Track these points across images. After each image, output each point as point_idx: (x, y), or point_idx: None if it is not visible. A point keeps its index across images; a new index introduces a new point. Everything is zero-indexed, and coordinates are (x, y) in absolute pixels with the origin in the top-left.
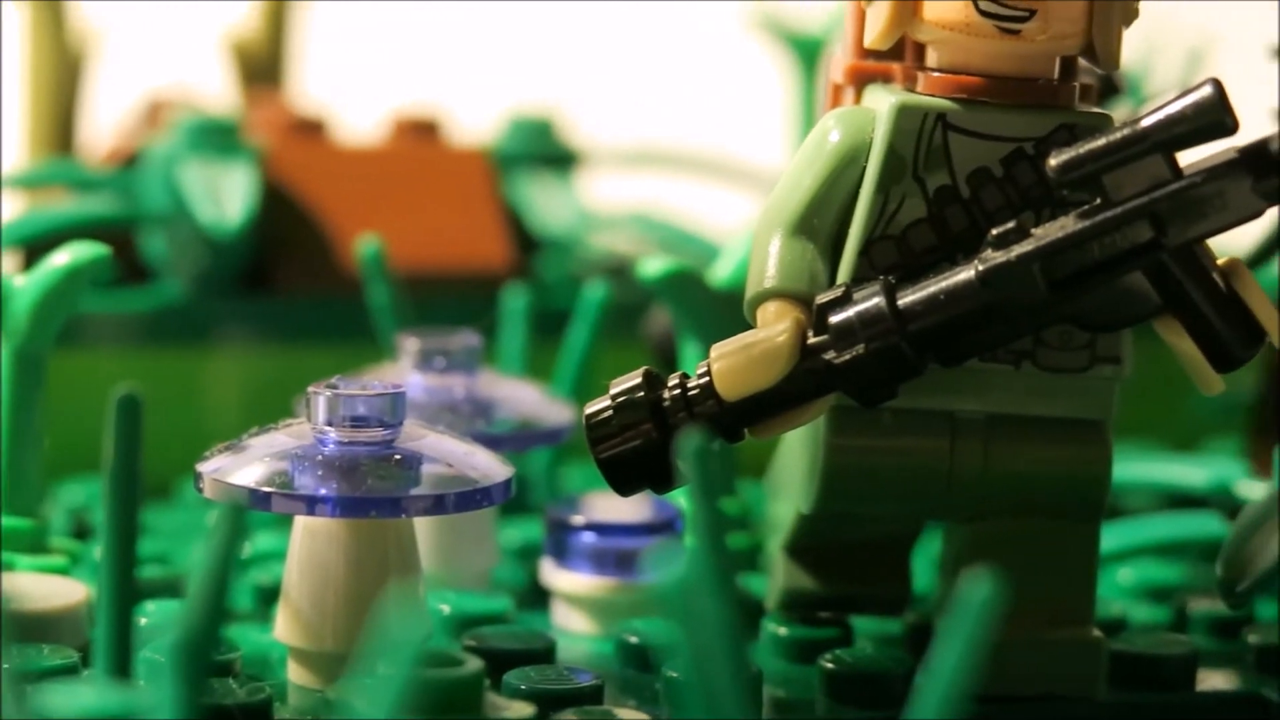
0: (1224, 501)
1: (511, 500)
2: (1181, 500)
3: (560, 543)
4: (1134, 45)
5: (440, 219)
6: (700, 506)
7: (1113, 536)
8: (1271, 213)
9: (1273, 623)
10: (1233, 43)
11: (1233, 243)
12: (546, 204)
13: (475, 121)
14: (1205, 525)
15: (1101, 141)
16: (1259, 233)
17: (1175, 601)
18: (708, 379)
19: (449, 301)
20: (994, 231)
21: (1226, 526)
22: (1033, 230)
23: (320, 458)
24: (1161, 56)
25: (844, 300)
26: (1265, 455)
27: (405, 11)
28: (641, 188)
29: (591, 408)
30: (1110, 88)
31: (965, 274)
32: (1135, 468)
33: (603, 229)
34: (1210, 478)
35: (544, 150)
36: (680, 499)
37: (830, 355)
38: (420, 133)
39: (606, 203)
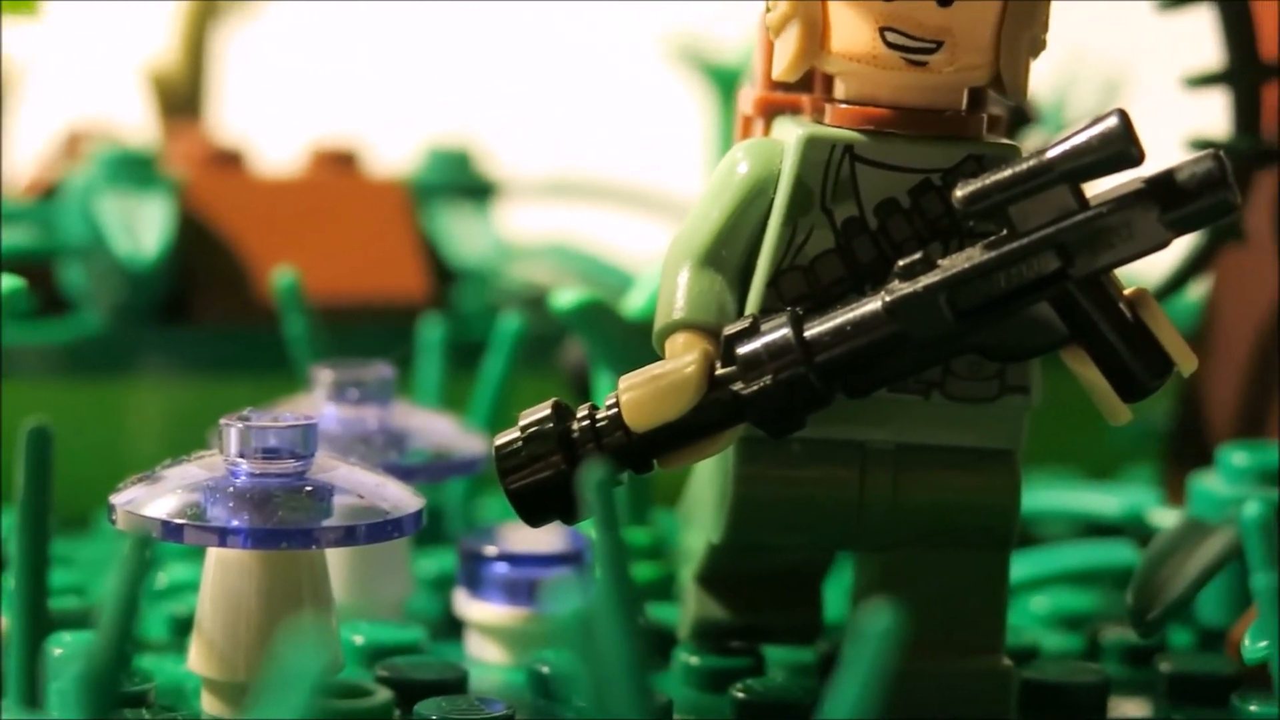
0: (1137, 530)
1: (427, 531)
2: (1096, 528)
3: (473, 573)
4: (1050, 75)
5: (358, 250)
6: (602, 538)
7: (1026, 564)
8: (1184, 241)
9: (1184, 651)
10: (1147, 73)
11: (1144, 272)
12: (464, 235)
13: (393, 152)
14: (1118, 553)
15: (1007, 172)
16: (1171, 262)
17: (1088, 630)
18: (616, 410)
19: (366, 332)
20: (901, 263)
21: (1139, 555)
22: (939, 261)
23: (232, 489)
24: (1077, 86)
25: (751, 331)
26: (1178, 483)
27: (324, 43)
28: (560, 218)
29: (501, 439)
30: (1022, 117)
31: (872, 305)
32: (1050, 496)
33: (521, 260)
34: (1123, 506)
35: (462, 181)
36: (590, 530)
37: (738, 386)
38: (338, 164)
39: (524, 233)
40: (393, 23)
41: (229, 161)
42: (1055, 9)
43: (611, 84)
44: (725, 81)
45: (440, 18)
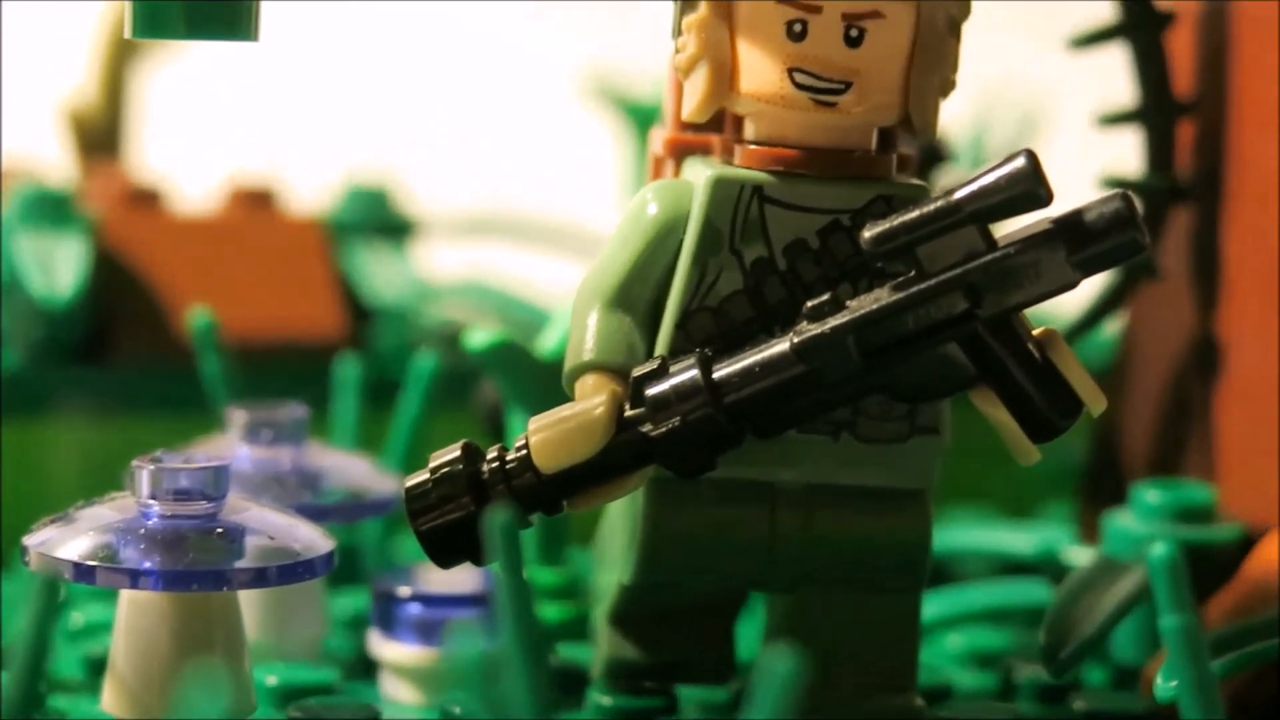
0: (1052, 568)
1: (343, 570)
2: (1012, 567)
3: (387, 613)
4: (967, 113)
5: (275, 289)
6: (506, 580)
7: (941, 603)
8: (1099, 279)
9: (1099, 689)
10: (1065, 110)
11: (1059, 310)
12: (381, 273)
13: (311, 190)
14: (1032, 592)
15: (915, 213)
16: (1086, 300)
17: (1003, 668)
18: (525, 452)
19: (283, 372)
20: (809, 304)
21: (1053, 593)
22: (848, 302)
23: (144, 531)
24: (994, 124)
25: (660, 373)
26: (1093, 521)
27: (243, 81)
28: (478, 256)
29: (411, 481)
30: (936, 156)
31: (780, 346)
32: (966, 534)
33: (438, 298)
34: (1038, 544)
35: (379, 219)
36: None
37: (647, 428)
38: (255, 202)
39: (443, 271)
40: (311, 61)
41: (147, 200)
42: (972, 47)
43: (529, 121)
44: (642, 118)
45: (358, 56)
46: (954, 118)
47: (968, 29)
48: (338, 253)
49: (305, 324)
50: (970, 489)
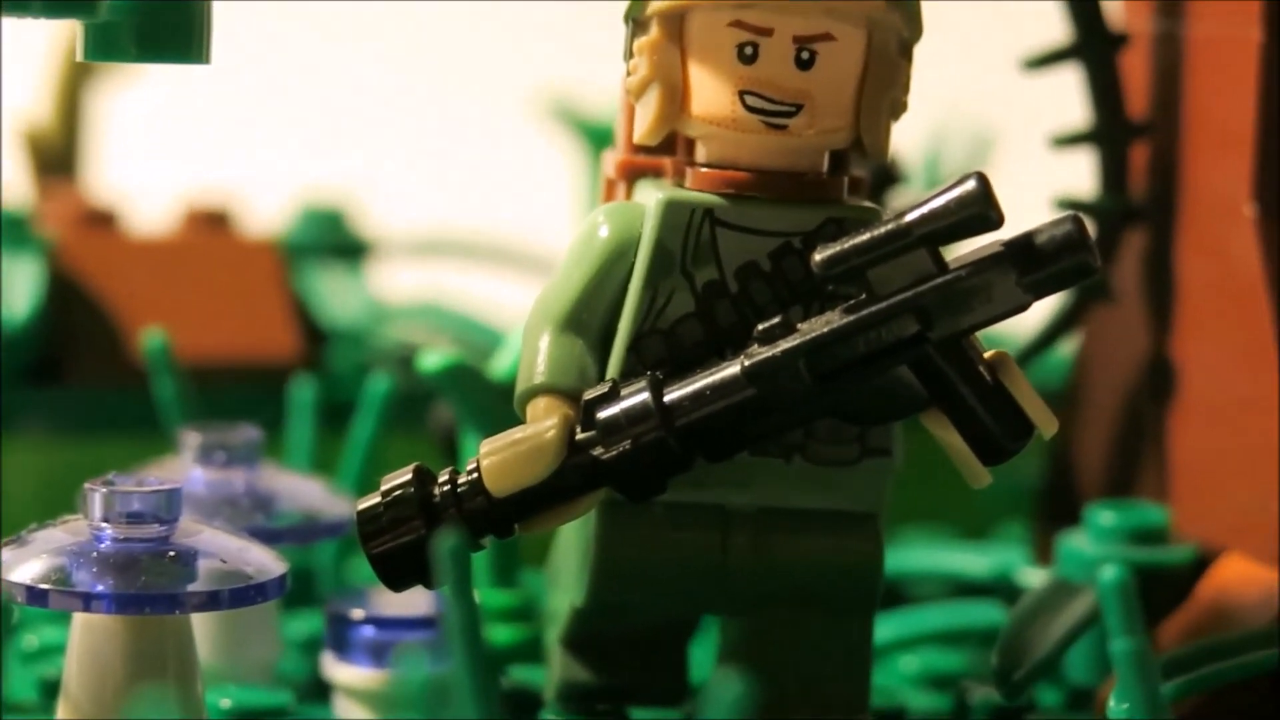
0: (1006, 589)
1: (297, 592)
2: (967, 588)
3: (340, 636)
4: (922, 134)
5: (230, 310)
6: (454, 604)
7: (895, 624)
8: (1053, 300)
9: (1053, 710)
10: (1020, 131)
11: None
12: (336, 295)
13: (266, 212)
14: (986, 613)
15: (865, 236)
16: (1039, 322)
17: (956, 690)
18: (477, 475)
19: (239, 393)
20: (760, 327)
21: (1007, 614)
22: (799, 325)
23: (96, 554)
24: (949, 145)
25: (611, 396)
26: (1047, 543)
27: (199, 102)
28: (434, 277)
29: (363, 504)
30: (889, 178)
31: (731, 369)
32: (920, 556)
33: (394, 319)
34: (992, 566)
35: (334, 241)
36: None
37: (598, 451)
38: (211, 224)
39: (398, 293)
40: (266, 83)
41: (103, 221)
42: (926, 69)
43: (485, 142)
44: (599, 139)
45: (313, 77)
46: (909, 140)
47: (921, 51)
48: (293, 274)
49: (260, 345)
50: (926, 510)
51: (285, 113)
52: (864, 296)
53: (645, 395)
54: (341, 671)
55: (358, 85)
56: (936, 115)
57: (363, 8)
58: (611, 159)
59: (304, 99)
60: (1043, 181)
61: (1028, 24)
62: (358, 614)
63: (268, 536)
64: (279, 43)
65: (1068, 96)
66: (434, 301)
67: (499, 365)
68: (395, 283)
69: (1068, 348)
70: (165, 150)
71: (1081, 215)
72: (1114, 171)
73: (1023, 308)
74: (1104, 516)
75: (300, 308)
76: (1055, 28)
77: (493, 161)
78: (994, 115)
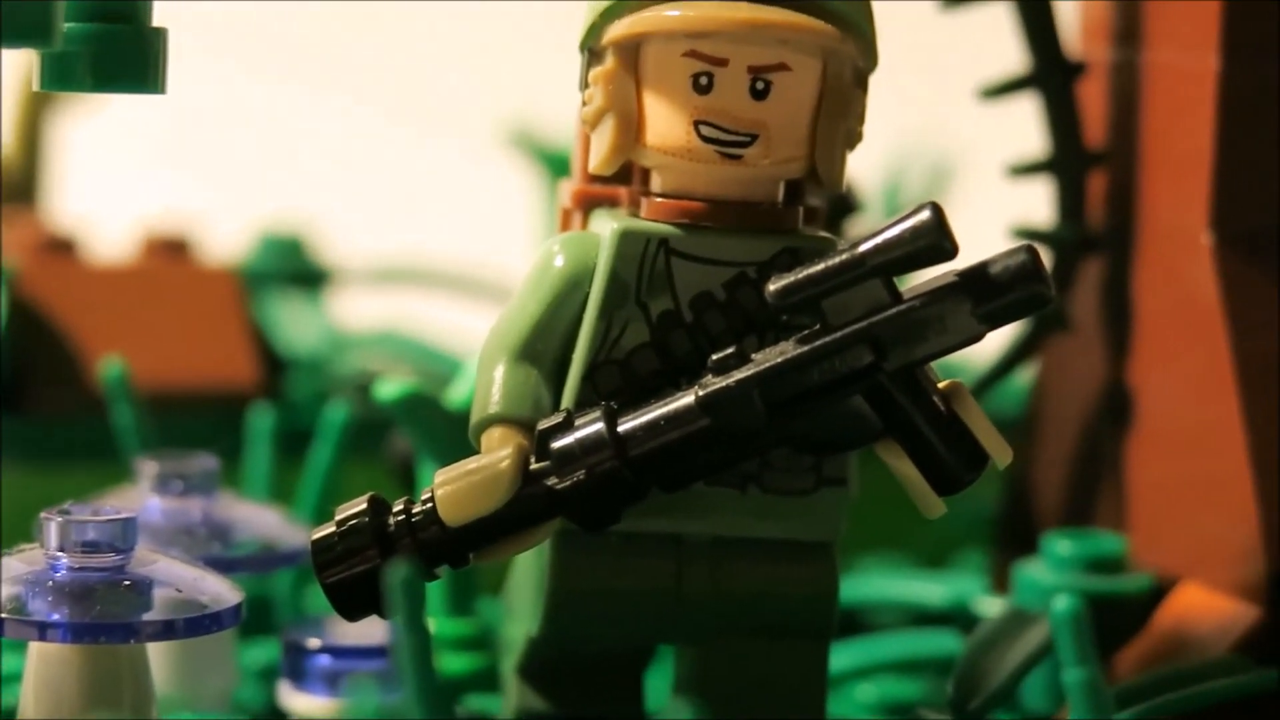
0: (963, 618)
1: (255, 621)
2: (924, 617)
3: (296, 665)
4: (882, 163)
5: (188, 338)
6: (405, 634)
7: (852, 653)
8: (1010, 329)
9: None
10: (976, 161)
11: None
12: (295, 323)
13: (225, 239)
14: (943, 642)
15: (819, 267)
16: (996, 351)
17: (913, 719)
18: (431, 505)
19: (197, 421)
20: (714, 357)
21: (963, 643)
22: (753, 355)
23: (52, 583)
24: (908, 175)
25: (565, 426)
26: (1005, 571)
27: (159, 129)
28: (394, 305)
29: (317, 533)
30: (847, 207)
31: (685, 399)
32: (878, 584)
33: (353, 348)
34: (949, 594)
35: (294, 269)
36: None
37: (553, 481)
38: (170, 251)
39: (357, 321)
40: (225, 111)
41: (62, 249)
42: (884, 99)
43: (445, 170)
44: (558, 167)
45: (273, 106)
46: (868, 169)
47: (880, 80)
48: (252, 302)
49: (219, 373)
50: (885, 539)
51: (244, 141)
52: (818, 327)
53: (599, 425)
54: (298, 700)
55: (316, 113)
56: (896, 145)
57: (321, 36)
58: (567, 188)
59: (263, 127)
60: (1002, 211)
61: (986, 53)
62: (314, 643)
63: (224, 565)
64: (238, 71)
65: (1026, 126)
66: (393, 329)
67: (455, 394)
68: (354, 311)
69: (1025, 376)
70: (124, 178)
71: (1036, 246)
72: (1071, 200)
73: (977, 338)
74: (1061, 545)
75: (259, 336)
76: (1013, 57)
77: (452, 189)
78: (953, 145)
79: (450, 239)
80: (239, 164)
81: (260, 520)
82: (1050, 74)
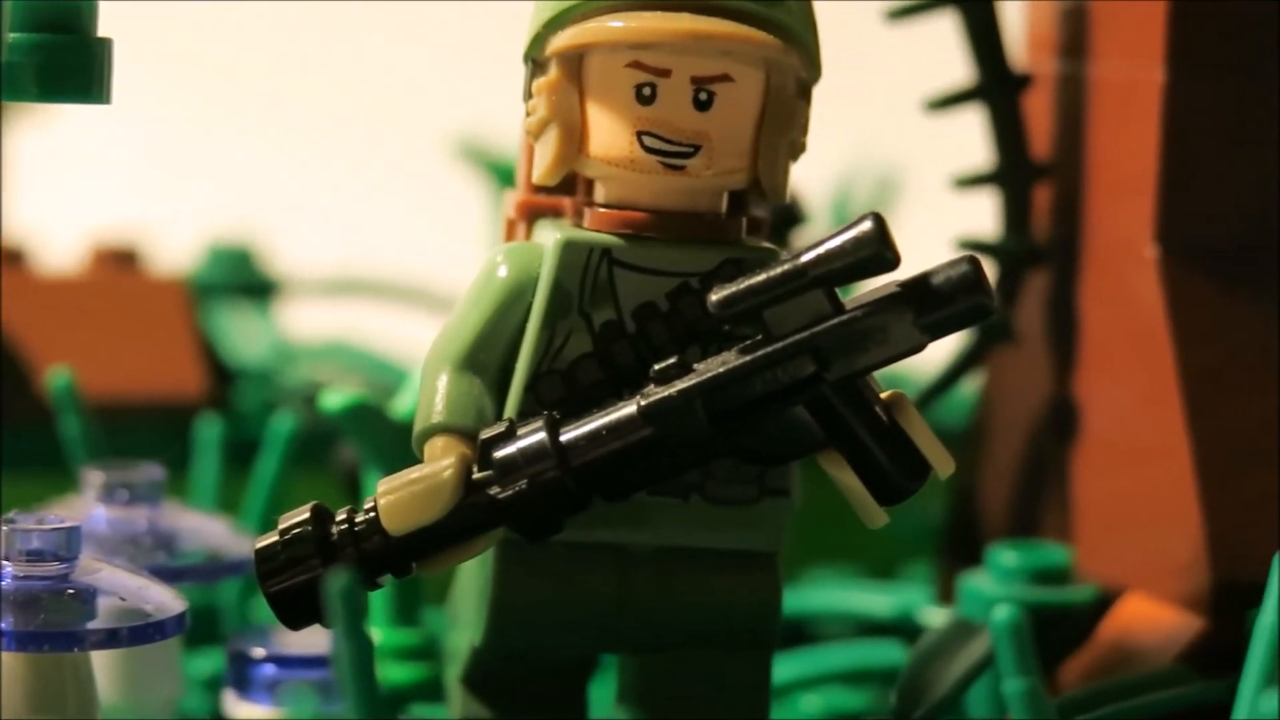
0: (908, 629)
1: (202, 631)
2: (872, 628)
3: (241, 674)
4: (831, 176)
5: (137, 349)
6: (344, 644)
7: (799, 663)
8: (955, 342)
9: None
10: (924, 174)
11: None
12: (243, 334)
13: (174, 250)
14: (889, 652)
15: (761, 277)
16: (940, 362)
17: None
18: (374, 514)
19: (145, 432)
20: (656, 367)
21: (908, 654)
22: (695, 365)
23: None
24: (856, 187)
25: (508, 435)
26: (950, 583)
27: (108, 140)
28: (342, 316)
29: (260, 542)
30: (792, 218)
31: (628, 409)
32: (825, 595)
33: (302, 359)
34: (895, 605)
35: (242, 279)
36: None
37: (495, 490)
38: (119, 262)
39: (306, 332)
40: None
41: (11, 260)
42: (831, 110)
43: (393, 181)
44: (506, 178)
45: (222, 116)
46: (816, 181)
47: (827, 92)
48: (200, 313)
49: (167, 384)
50: (835, 550)
51: (194, 152)
52: (760, 337)
53: (542, 435)
54: (242, 709)
55: (266, 124)
56: (844, 157)
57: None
58: (511, 199)
59: (212, 138)
60: (950, 223)
61: (933, 65)
62: (259, 652)
63: (170, 575)
64: (188, 82)
65: (972, 138)
66: (342, 341)
67: (401, 404)
68: (303, 322)
69: (971, 388)
70: (73, 189)
71: (979, 256)
72: (1016, 213)
73: (919, 348)
74: (1006, 556)
75: (207, 346)
76: (959, 69)
77: (401, 201)
78: (901, 157)
79: (399, 250)
80: (188, 175)
81: (206, 530)
82: (996, 86)
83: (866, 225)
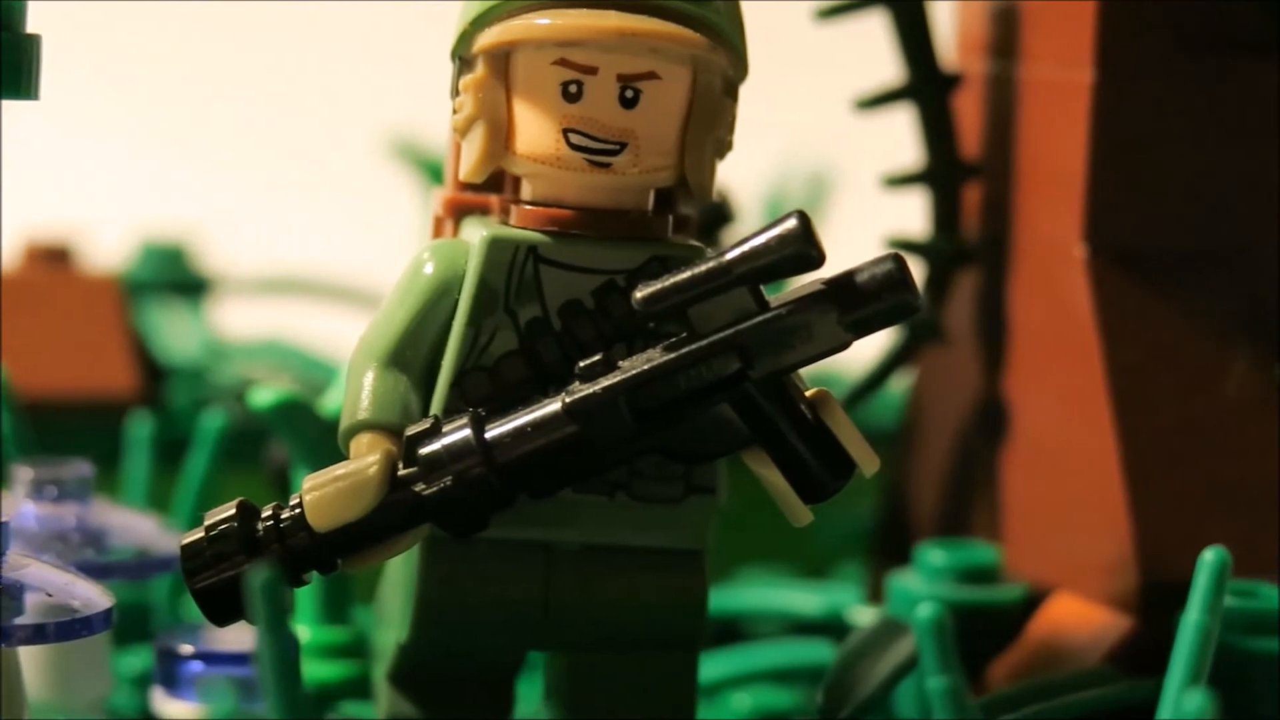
0: (838, 628)
1: (132, 628)
2: (803, 627)
3: (169, 671)
4: (764, 174)
5: (69, 346)
6: (266, 640)
7: (728, 662)
8: (885, 340)
9: None
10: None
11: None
12: (175, 331)
13: (107, 248)
14: (818, 651)
15: (686, 274)
16: (870, 360)
17: None
18: (300, 510)
19: (77, 429)
20: (581, 364)
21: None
22: (621, 363)
23: None
24: (789, 185)
25: (433, 432)
26: (880, 581)
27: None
28: (275, 314)
29: (187, 539)
30: (722, 216)
31: (552, 406)
32: (756, 594)
33: (233, 356)
34: (824, 604)
35: (175, 277)
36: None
37: (420, 487)
38: (51, 260)
39: (238, 330)
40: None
41: None
42: (768, 107)
43: (327, 178)
44: (439, 175)
45: (155, 113)
46: (749, 180)
47: (759, 92)
48: (132, 310)
49: (99, 381)
50: (769, 550)
51: (127, 149)
52: (685, 335)
53: (467, 432)
54: (170, 706)
55: (199, 122)
56: (776, 156)
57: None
58: (439, 196)
59: (145, 136)
60: (881, 222)
61: (864, 65)
62: (186, 649)
63: (98, 571)
64: (120, 79)
65: (903, 137)
66: (274, 339)
67: (330, 401)
68: (235, 319)
69: (901, 387)
70: (6, 186)
71: (907, 255)
72: (946, 212)
73: (843, 346)
74: (934, 555)
75: (139, 344)
76: (890, 68)
77: (333, 199)
78: (832, 156)
79: (331, 248)
80: (122, 173)
81: (135, 527)
82: (926, 86)
83: (791, 223)
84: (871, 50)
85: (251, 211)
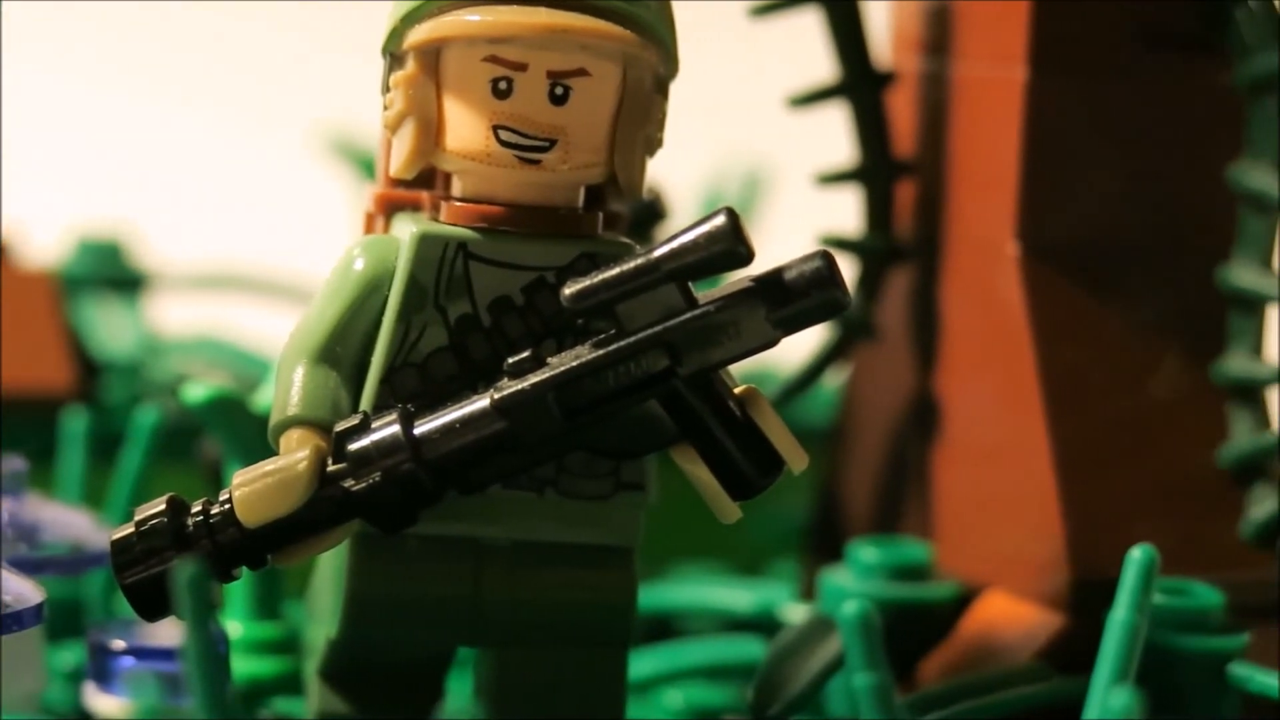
0: (770, 625)
1: (66, 623)
2: (736, 624)
3: (101, 666)
4: (700, 172)
5: (4, 341)
6: (191, 635)
7: (660, 658)
8: (817, 338)
9: None
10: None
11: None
12: (111, 327)
13: (42, 243)
14: (750, 648)
15: (615, 271)
16: (803, 357)
17: None
18: (229, 506)
19: (10, 424)
20: (509, 360)
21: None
22: (549, 359)
23: None
24: (726, 184)
25: (362, 428)
26: (813, 579)
27: None
28: (211, 310)
29: (117, 534)
30: (655, 213)
31: (481, 403)
32: (688, 591)
33: (169, 352)
34: (756, 601)
35: (110, 273)
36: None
37: (349, 483)
38: None
39: (174, 326)
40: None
41: None
42: (707, 103)
43: (263, 174)
44: (373, 171)
45: (91, 108)
46: (686, 179)
47: (693, 89)
48: (68, 305)
49: (33, 376)
50: (705, 546)
51: (63, 144)
52: (614, 331)
53: (395, 428)
54: (102, 702)
55: (135, 117)
56: (711, 154)
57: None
58: (370, 192)
59: (81, 131)
60: (816, 220)
61: (798, 62)
62: (118, 644)
63: (31, 566)
64: (55, 74)
65: (836, 135)
66: (210, 335)
67: (262, 397)
68: (170, 315)
69: (833, 385)
70: None
71: (834, 252)
72: (878, 210)
73: (772, 343)
74: (866, 553)
75: (74, 339)
76: (823, 66)
77: (270, 194)
78: (766, 154)
79: (268, 244)
80: (57, 168)
81: (69, 522)
82: (859, 83)
83: (719, 220)
84: (806, 48)
85: (187, 207)
